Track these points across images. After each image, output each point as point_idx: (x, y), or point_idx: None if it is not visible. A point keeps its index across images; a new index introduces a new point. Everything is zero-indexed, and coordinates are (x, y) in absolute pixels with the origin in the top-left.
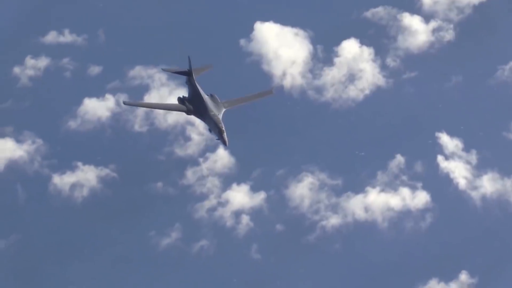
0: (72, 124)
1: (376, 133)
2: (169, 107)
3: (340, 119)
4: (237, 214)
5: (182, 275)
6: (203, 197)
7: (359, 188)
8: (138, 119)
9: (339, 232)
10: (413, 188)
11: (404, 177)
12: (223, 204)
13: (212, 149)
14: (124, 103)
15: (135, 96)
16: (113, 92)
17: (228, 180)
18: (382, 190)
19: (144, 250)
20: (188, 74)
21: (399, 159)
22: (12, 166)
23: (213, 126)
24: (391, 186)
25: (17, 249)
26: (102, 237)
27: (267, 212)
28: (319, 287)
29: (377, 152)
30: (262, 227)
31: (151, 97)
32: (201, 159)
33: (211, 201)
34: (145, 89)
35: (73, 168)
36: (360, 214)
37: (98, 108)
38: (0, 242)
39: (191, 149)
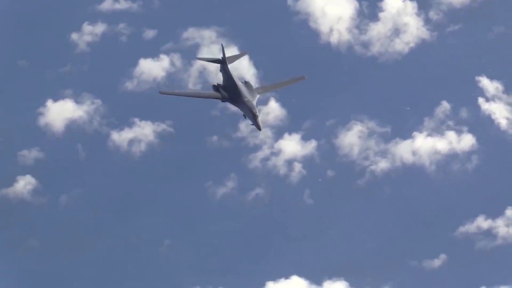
0: (129, 84)
1: (422, 83)
2: (204, 95)
3: (387, 72)
4: (290, 162)
5: (239, 222)
6: (257, 148)
7: (407, 134)
8: (192, 78)
9: (388, 176)
10: (459, 132)
11: (450, 122)
12: (276, 153)
13: (264, 102)
14: (160, 92)
15: (188, 55)
16: (167, 52)
17: (280, 131)
18: (429, 135)
19: (201, 199)
20: (222, 62)
21: (445, 105)
22: (72, 125)
23: (247, 111)
24: (437, 131)
25: (79, 203)
26: (161, 189)
27: (318, 159)
28: (370, 229)
29: (424, 99)
30: (314, 174)
31: (203, 54)
32: None
33: (265, 151)
34: (196, 47)
35: (130, 125)
36: (408, 158)
37: (153, 68)
38: (62, 196)
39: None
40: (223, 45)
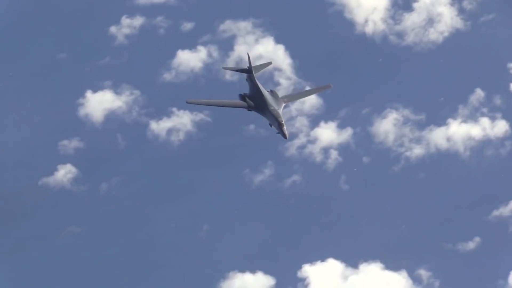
0: (167, 76)
1: (456, 71)
2: (230, 104)
3: (421, 61)
4: (326, 150)
5: (276, 208)
6: (293, 136)
7: (441, 121)
8: None
9: (423, 162)
10: (493, 118)
11: (484, 109)
12: (312, 141)
13: (301, 90)
14: (187, 101)
15: (225, 46)
16: (205, 44)
17: (316, 119)
18: (464, 122)
19: (239, 187)
20: (248, 71)
21: (479, 92)
22: (112, 116)
23: (273, 120)
24: (471, 117)
25: (119, 191)
26: (199, 177)
27: (354, 147)
28: (405, 214)
29: (458, 87)
30: (350, 161)
31: (239, 46)
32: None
33: (301, 139)
34: (233, 38)
35: (169, 114)
36: (442, 144)
37: (191, 59)
38: (102, 185)
39: (280, 93)
40: (249, 54)
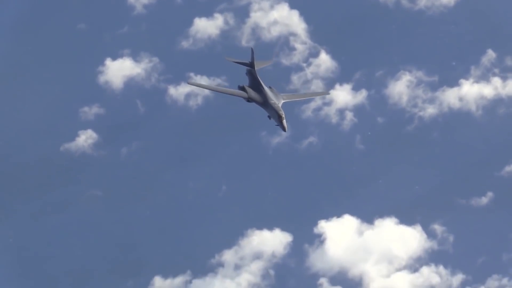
0: (185, 43)
1: (468, 34)
2: (230, 92)
3: (434, 24)
4: (341, 111)
5: (293, 168)
6: (309, 98)
7: (453, 82)
8: (245, 35)
9: (436, 121)
10: (504, 78)
11: (496, 70)
12: (328, 103)
13: (316, 54)
14: (189, 83)
15: (241, 14)
16: (221, 11)
17: (331, 82)
18: (476, 82)
19: (256, 148)
20: (250, 65)
21: (490, 53)
22: (131, 82)
23: (273, 113)
24: (483, 78)
25: (138, 155)
26: (217, 140)
27: (369, 108)
28: (419, 172)
29: (470, 49)
30: (365, 122)
31: (255, 13)
32: (304, 65)
33: (317, 102)
34: (248, 5)
35: (187, 80)
36: (455, 104)
37: (208, 27)
38: (122, 149)
39: (296, 57)
40: (253, 49)
